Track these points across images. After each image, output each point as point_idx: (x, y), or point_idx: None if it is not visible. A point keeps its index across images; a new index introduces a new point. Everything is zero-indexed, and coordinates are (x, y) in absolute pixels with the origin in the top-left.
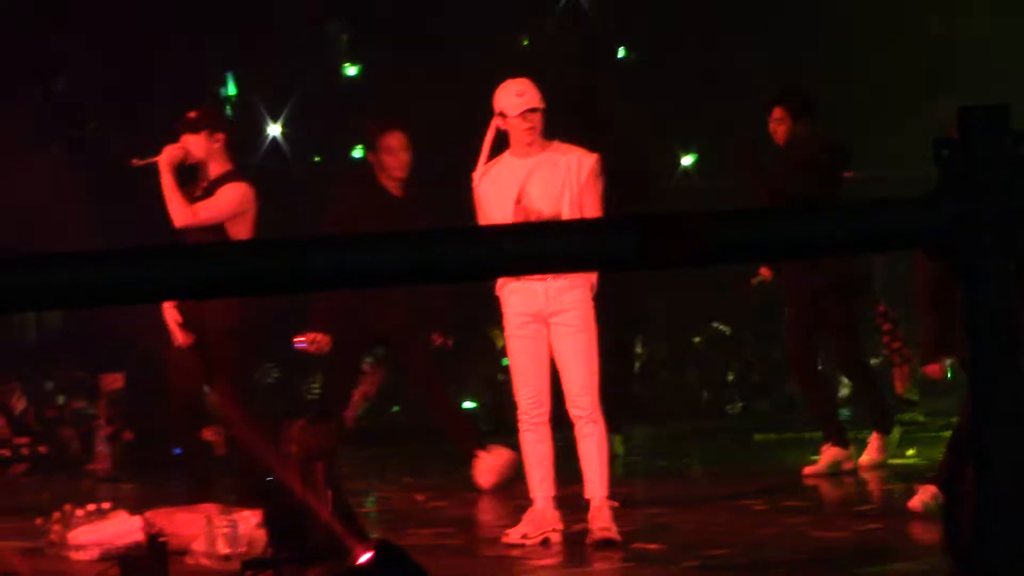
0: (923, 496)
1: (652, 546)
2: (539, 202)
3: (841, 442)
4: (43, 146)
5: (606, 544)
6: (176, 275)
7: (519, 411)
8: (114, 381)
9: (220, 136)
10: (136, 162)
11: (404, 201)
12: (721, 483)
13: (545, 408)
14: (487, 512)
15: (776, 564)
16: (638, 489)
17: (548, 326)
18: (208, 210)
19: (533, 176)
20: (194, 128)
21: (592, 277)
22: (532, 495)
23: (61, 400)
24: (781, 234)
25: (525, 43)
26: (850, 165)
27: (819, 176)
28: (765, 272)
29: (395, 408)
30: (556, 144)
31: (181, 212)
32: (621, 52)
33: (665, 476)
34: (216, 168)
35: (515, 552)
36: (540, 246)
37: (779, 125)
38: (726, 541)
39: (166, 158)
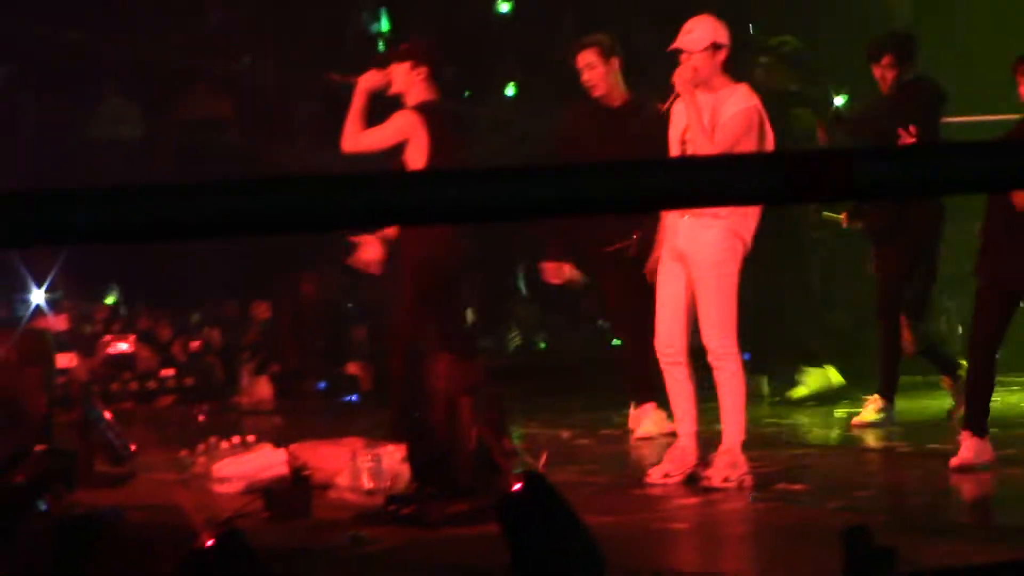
0: None
1: (796, 487)
2: (694, 142)
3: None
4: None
5: (710, 490)
6: (349, 203)
7: (656, 350)
8: (262, 312)
9: (423, 69)
10: (335, 77)
11: (622, 112)
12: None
13: (676, 347)
14: (633, 451)
15: (919, 507)
16: (784, 430)
17: (686, 265)
18: (371, 135)
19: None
20: (400, 58)
21: (732, 222)
22: (677, 431)
23: (207, 331)
24: (929, 170)
25: None
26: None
27: (925, 121)
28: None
29: (542, 344)
30: (735, 85)
31: (350, 137)
32: None
33: (810, 416)
34: (412, 100)
35: (658, 491)
36: (687, 179)
37: (887, 72)
38: (870, 482)
39: (364, 81)
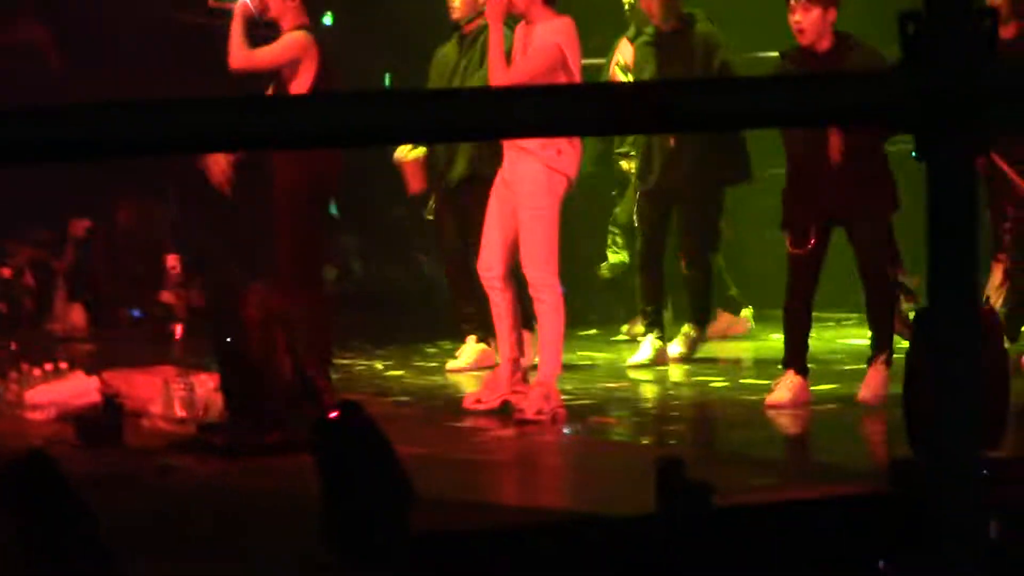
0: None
1: (610, 420)
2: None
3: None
4: None
5: (522, 423)
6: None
7: (479, 272)
8: (78, 231)
9: None
10: (212, 2)
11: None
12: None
13: (495, 272)
14: (448, 384)
15: (733, 441)
16: (598, 364)
17: (512, 194)
18: (263, 53)
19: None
20: None
21: (550, 157)
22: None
23: (20, 255)
24: (746, 103)
25: None
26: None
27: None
28: None
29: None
30: (554, 18)
31: (238, 54)
32: None
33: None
34: (287, 25)
35: (470, 422)
36: (511, 110)
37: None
38: (683, 418)
39: (240, 5)
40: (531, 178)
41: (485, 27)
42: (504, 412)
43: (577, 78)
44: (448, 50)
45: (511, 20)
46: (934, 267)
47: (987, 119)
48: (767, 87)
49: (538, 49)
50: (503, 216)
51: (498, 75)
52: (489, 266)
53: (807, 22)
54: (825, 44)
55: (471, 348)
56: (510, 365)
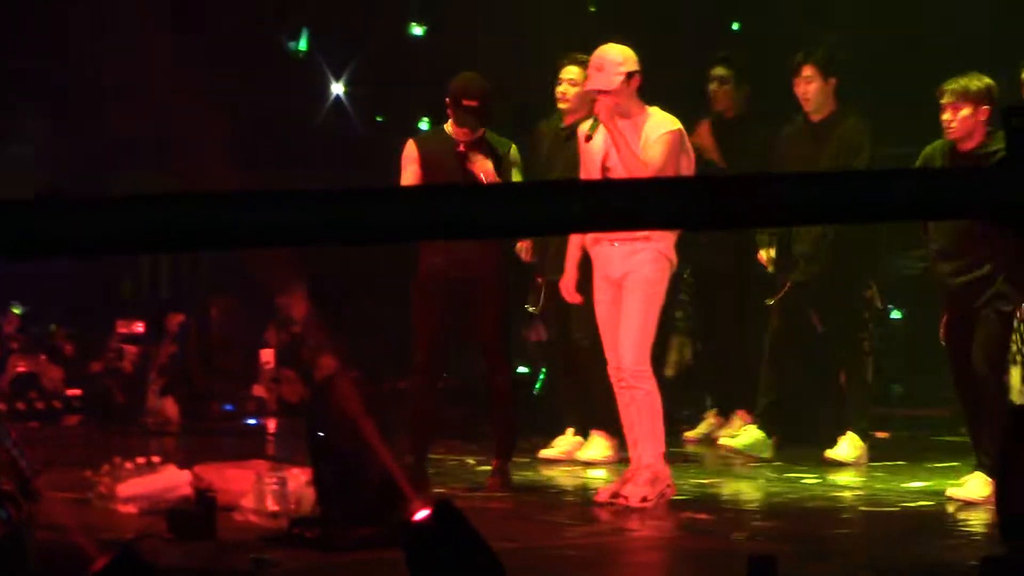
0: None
1: (701, 515)
2: (618, 168)
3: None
4: None
5: (623, 509)
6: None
7: (610, 374)
8: (173, 327)
9: None
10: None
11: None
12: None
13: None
14: (538, 477)
15: (825, 538)
16: (690, 457)
17: (619, 290)
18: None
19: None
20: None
21: (663, 243)
22: (631, 454)
23: (116, 350)
24: (854, 196)
25: (592, 9)
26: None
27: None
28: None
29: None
30: (646, 110)
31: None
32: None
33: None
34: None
35: (561, 516)
36: (617, 202)
37: (807, 84)
38: (775, 513)
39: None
40: (649, 265)
41: (577, 124)
42: (600, 506)
43: (692, 162)
44: (550, 128)
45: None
46: None
47: None
48: (875, 181)
49: (660, 139)
50: (617, 314)
51: (634, 168)
52: (620, 366)
53: (957, 120)
54: (971, 143)
55: (567, 439)
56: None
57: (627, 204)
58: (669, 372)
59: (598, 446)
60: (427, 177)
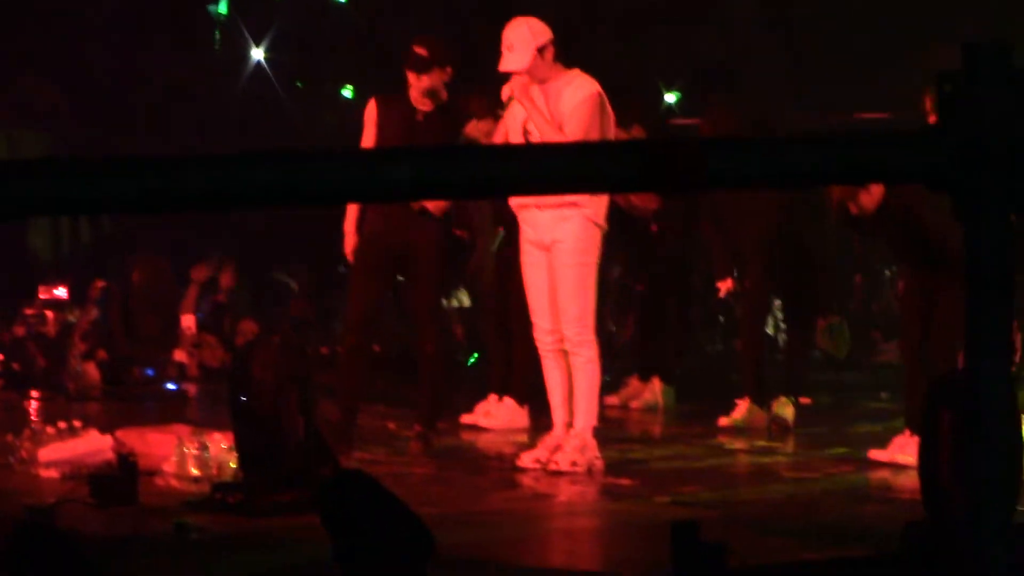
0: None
1: (623, 481)
2: (536, 134)
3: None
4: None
5: (546, 474)
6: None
7: (535, 338)
8: (95, 292)
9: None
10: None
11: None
12: (695, 422)
13: (557, 336)
14: (464, 443)
15: (748, 503)
16: (612, 425)
17: (549, 254)
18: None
19: (539, 105)
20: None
21: (590, 208)
22: (552, 419)
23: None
24: (780, 161)
25: None
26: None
27: None
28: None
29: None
30: (568, 72)
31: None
32: None
33: (642, 413)
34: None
35: (483, 481)
36: (544, 165)
37: None
38: (698, 478)
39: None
40: (577, 234)
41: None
42: (522, 471)
43: (613, 123)
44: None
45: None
46: (972, 327)
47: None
48: (802, 145)
49: (581, 103)
50: (545, 278)
51: (551, 134)
52: (548, 331)
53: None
54: None
55: (490, 405)
56: (566, 429)
57: (553, 167)
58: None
59: (507, 411)
60: (381, 141)
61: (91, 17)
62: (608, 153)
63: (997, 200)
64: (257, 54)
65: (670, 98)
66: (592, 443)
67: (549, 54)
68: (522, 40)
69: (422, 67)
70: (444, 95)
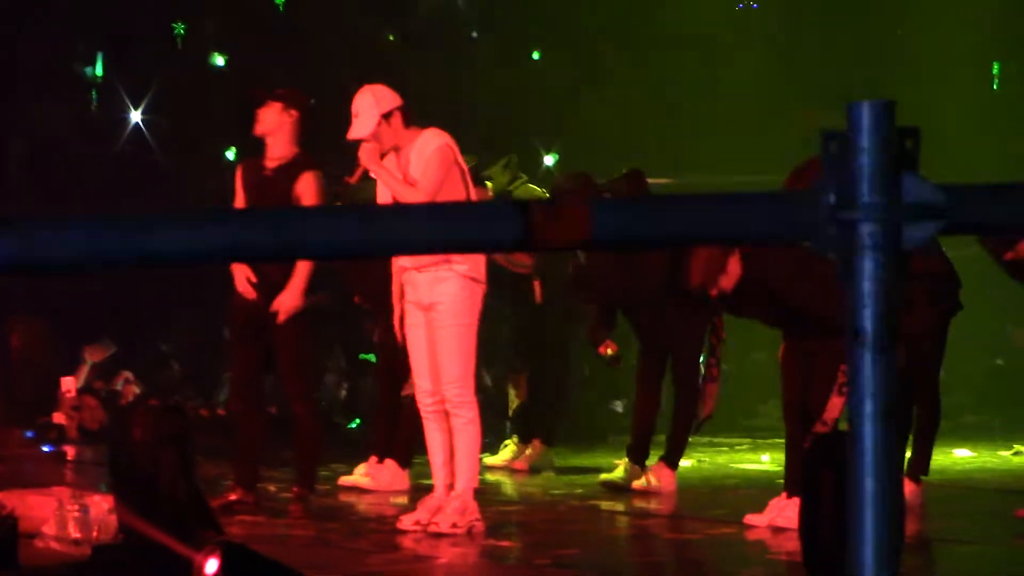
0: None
1: (504, 543)
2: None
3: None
4: None
5: (426, 536)
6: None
7: (417, 401)
8: None
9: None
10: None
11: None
12: (574, 483)
13: (438, 397)
14: (344, 504)
15: (629, 565)
16: (491, 486)
17: (428, 315)
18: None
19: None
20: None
21: (467, 265)
22: (433, 481)
23: None
24: (666, 222)
25: (391, 38)
26: None
27: None
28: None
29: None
30: (422, 133)
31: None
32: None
33: (523, 475)
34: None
35: (364, 544)
36: (426, 226)
37: None
38: (578, 540)
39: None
40: (455, 295)
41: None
42: (403, 533)
43: (467, 174)
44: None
45: None
46: (855, 388)
47: (909, 238)
48: (685, 206)
49: (431, 157)
50: (428, 340)
51: (409, 195)
52: (432, 392)
53: None
54: None
55: (370, 466)
56: (447, 491)
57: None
58: (511, 412)
59: (388, 474)
60: (248, 202)
61: None
62: (490, 213)
63: (880, 258)
64: (135, 116)
65: (548, 160)
66: (473, 505)
67: (397, 120)
68: (366, 107)
69: (260, 101)
70: (290, 147)
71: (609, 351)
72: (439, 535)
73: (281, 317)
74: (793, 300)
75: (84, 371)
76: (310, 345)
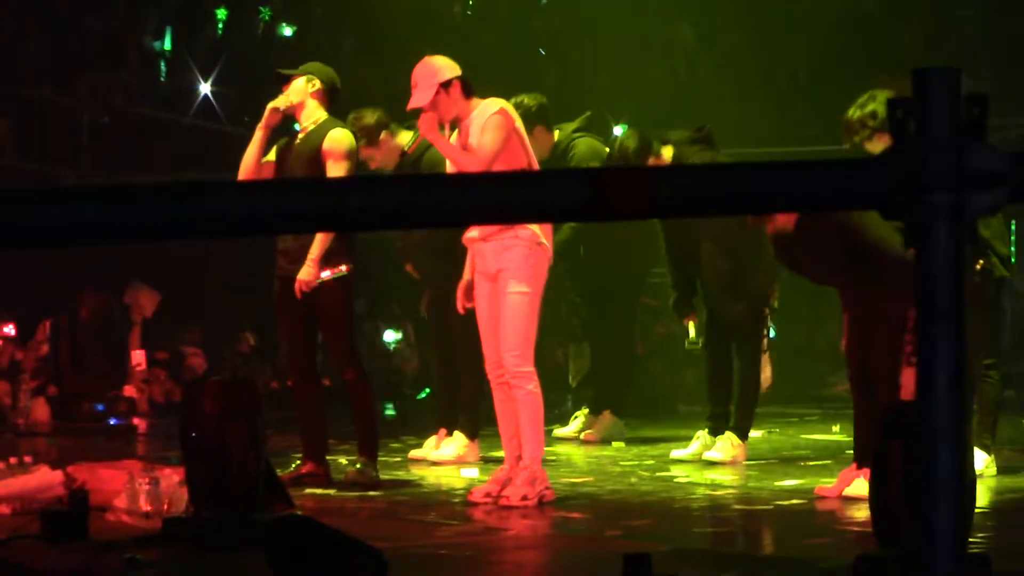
0: (847, 485)
1: (574, 514)
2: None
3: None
4: None
5: (496, 508)
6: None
7: (487, 370)
8: (45, 331)
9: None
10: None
11: None
12: (645, 454)
13: (504, 369)
14: (414, 477)
15: (699, 536)
16: (561, 458)
17: (495, 284)
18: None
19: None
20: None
21: (531, 234)
22: (504, 452)
23: None
24: (735, 189)
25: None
26: None
27: None
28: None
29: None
30: (476, 106)
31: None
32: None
33: (590, 445)
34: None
35: (434, 516)
36: (494, 195)
37: None
38: (649, 511)
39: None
40: (520, 262)
41: (425, 145)
42: (473, 505)
43: (528, 141)
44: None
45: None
46: (925, 359)
47: (976, 205)
48: (753, 171)
49: (485, 125)
50: (494, 310)
51: (467, 162)
52: (496, 362)
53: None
54: None
55: (439, 439)
56: (515, 463)
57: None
58: (572, 382)
59: (456, 445)
60: (277, 172)
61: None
62: (557, 181)
63: (948, 226)
64: (204, 88)
65: (617, 130)
66: (542, 474)
67: (456, 91)
68: (424, 77)
69: (284, 77)
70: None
71: (691, 327)
72: (509, 507)
73: (298, 291)
74: (865, 240)
75: (136, 333)
76: (350, 312)
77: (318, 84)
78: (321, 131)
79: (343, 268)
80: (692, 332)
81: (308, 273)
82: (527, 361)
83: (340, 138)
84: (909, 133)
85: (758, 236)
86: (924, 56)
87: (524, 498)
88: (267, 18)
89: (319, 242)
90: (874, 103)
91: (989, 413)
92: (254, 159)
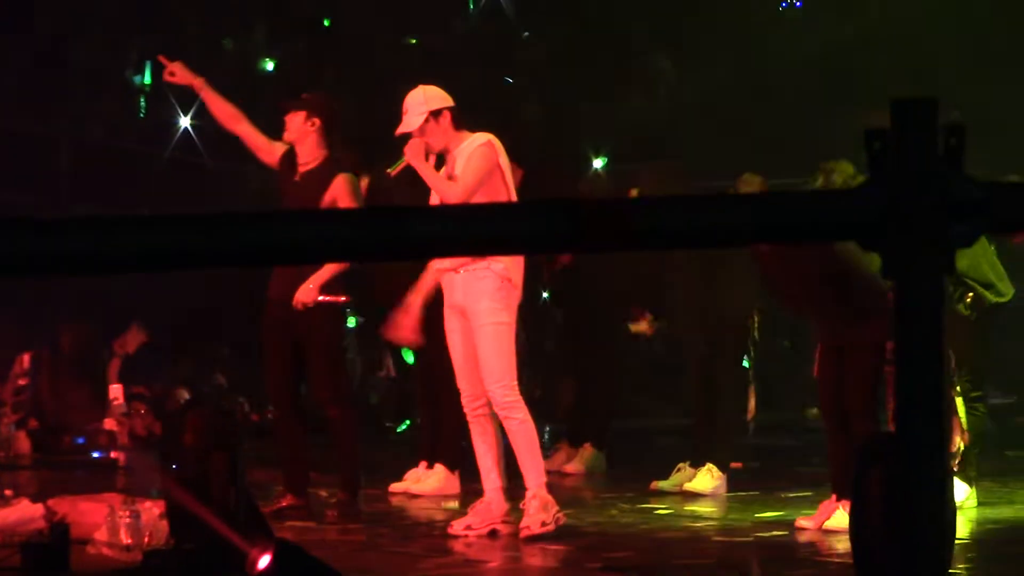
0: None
1: (555, 546)
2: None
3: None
4: None
5: (475, 540)
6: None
7: (463, 404)
8: (24, 363)
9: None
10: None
11: None
12: (625, 486)
13: (482, 400)
14: (394, 509)
15: (679, 568)
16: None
17: (465, 317)
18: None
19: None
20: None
21: (504, 268)
22: (483, 485)
23: None
24: (712, 221)
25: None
26: None
27: None
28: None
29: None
30: (471, 135)
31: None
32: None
33: (575, 478)
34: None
35: (415, 548)
36: (472, 227)
37: None
38: (629, 543)
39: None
40: (492, 295)
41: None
42: (454, 537)
43: (510, 176)
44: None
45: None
46: (902, 390)
47: (954, 235)
48: (731, 204)
49: (470, 157)
50: (468, 343)
51: (448, 192)
52: (475, 396)
53: None
54: None
55: (419, 472)
56: (500, 494)
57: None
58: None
59: (437, 479)
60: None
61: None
62: (531, 213)
63: (927, 257)
64: (184, 121)
65: (597, 163)
66: (550, 499)
67: (446, 120)
68: (416, 104)
69: (285, 109)
70: (317, 152)
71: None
72: (533, 538)
73: (297, 304)
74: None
75: (115, 364)
76: (339, 348)
77: (318, 123)
78: (322, 174)
79: (341, 298)
80: (642, 326)
81: (307, 293)
82: (513, 390)
83: (343, 184)
84: (886, 164)
85: (736, 267)
86: (901, 88)
87: (543, 524)
88: (228, 47)
89: (327, 268)
90: (823, 176)
91: (973, 445)
92: (263, 138)
